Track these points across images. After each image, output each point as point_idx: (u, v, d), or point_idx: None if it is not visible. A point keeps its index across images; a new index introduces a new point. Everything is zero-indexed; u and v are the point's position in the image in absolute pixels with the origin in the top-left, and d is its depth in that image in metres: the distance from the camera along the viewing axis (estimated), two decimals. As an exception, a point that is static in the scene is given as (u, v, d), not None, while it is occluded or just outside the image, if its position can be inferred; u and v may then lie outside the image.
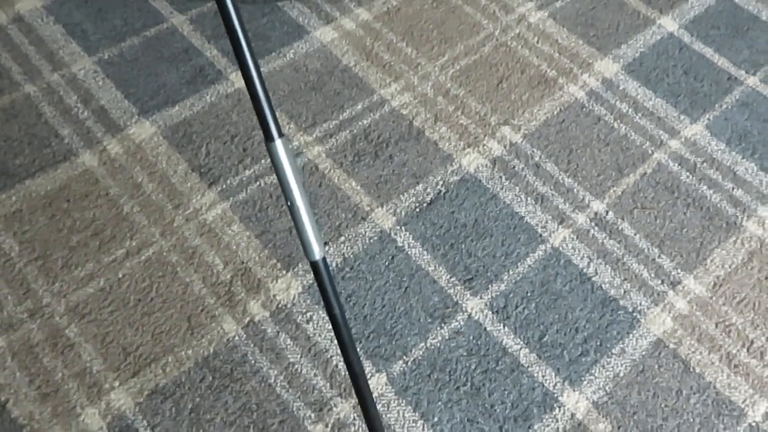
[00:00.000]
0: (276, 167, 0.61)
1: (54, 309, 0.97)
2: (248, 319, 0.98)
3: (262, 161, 1.13)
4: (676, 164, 1.17)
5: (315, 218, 0.64)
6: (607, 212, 1.11)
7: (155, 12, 1.29)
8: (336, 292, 0.62)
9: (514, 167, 1.15)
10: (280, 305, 0.99)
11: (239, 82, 1.22)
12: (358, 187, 1.11)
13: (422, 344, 0.97)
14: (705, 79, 1.29)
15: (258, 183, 1.10)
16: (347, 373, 0.92)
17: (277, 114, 1.18)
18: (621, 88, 1.27)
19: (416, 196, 1.11)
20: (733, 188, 1.15)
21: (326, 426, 0.90)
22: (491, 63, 1.28)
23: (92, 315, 0.97)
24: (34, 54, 1.22)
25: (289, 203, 0.63)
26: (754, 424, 0.93)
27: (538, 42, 1.32)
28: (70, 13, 1.28)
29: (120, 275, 1.00)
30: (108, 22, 1.28)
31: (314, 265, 0.63)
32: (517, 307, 1.01)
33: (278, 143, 0.60)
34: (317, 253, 0.63)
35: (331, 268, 1.01)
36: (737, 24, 1.37)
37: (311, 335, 0.97)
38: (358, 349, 0.96)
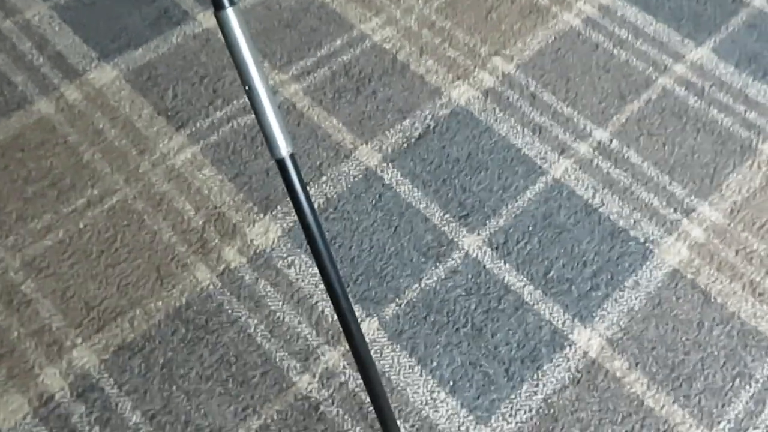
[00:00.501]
0: (228, 42, 0.52)
1: (8, 264, 0.88)
2: (223, 266, 0.89)
3: (234, 102, 1.03)
4: (683, 89, 1.09)
5: (278, 108, 0.55)
6: (611, 141, 1.03)
7: None
8: (308, 195, 0.52)
9: (508, 98, 1.06)
10: (258, 250, 0.90)
11: (207, 22, 1.12)
12: (340, 125, 1.02)
13: (416, 285, 0.88)
14: (708, 1, 1.20)
15: (230, 124, 1.01)
16: (335, 316, 0.83)
17: (250, 53, 1.09)
18: (619, 14, 1.18)
19: (403, 131, 1.02)
20: (745, 111, 1.06)
21: (313, 376, 0.81)
22: (479, -7, 1.19)
23: (50, 269, 0.88)
24: (-16, 1, 1.13)
25: (246, 87, 0.53)
26: (784, 354, 0.85)
27: (527, -30, 1.22)
28: (22, -43, 1.19)
29: (81, 226, 0.91)
30: (63, -34, 1.18)
31: (281, 164, 0.54)
32: (518, 242, 0.92)
33: (229, 11, 0.51)
34: (283, 148, 0.54)
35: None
36: (739, -55, 1.28)
37: (293, 281, 0.88)
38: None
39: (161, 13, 1.13)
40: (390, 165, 0.98)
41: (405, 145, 1.01)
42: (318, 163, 0.98)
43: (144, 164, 0.97)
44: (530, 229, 0.94)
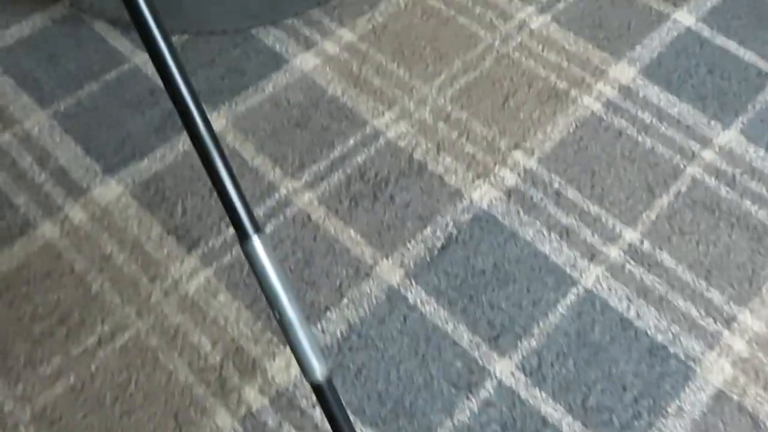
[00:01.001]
0: (256, 272, 0.47)
1: (18, 418, 0.83)
2: (244, 409, 0.84)
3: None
4: (713, 178, 1.04)
5: (310, 330, 0.51)
6: (642, 242, 0.98)
7: (114, 52, 1.15)
8: (348, 419, 0.48)
9: (531, 198, 1.02)
10: (279, 389, 0.85)
11: (217, 122, 1.08)
12: (359, 237, 0.98)
13: (448, 422, 0.84)
14: (732, 77, 1.15)
15: (244, 242, 0.96)
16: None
17: (261, 158, 1.05)
18: (641, 95, 1.13)
19: (425, 242, 0.97)
20: (780, 201, 1.02)
21: None
22: (494, 79, 1.14)
23: (63, 420, 0.83)
24: (-20, 112, 1.08)
25: (277, 315, 0.49)
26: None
27: (543, 50, 1.18)
28: (19, 61, 1.14)
29: (93, 369, 0.86)
30: (62, 68, 1.13)
31: (317, 389, 0.49)
32: (552, 366, 0.88)
33: (255, 241, 0.46)
34: (319, 372, 0.50)
35: (336, 338, 0.88)
36: (760, 12, 1.24)
37: (318, 423, 0.83)
38: (375, 436, 0.83)
39: (166, 116, 1.08)
40: (413, 282, 0.94)
41: (428, 258, 0.96)
42: (338, 283, 0.94)
43: (156, 293, 0.92)
44: (565, 349, 0.89)
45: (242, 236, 0.48)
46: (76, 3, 1.04)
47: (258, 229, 0.48)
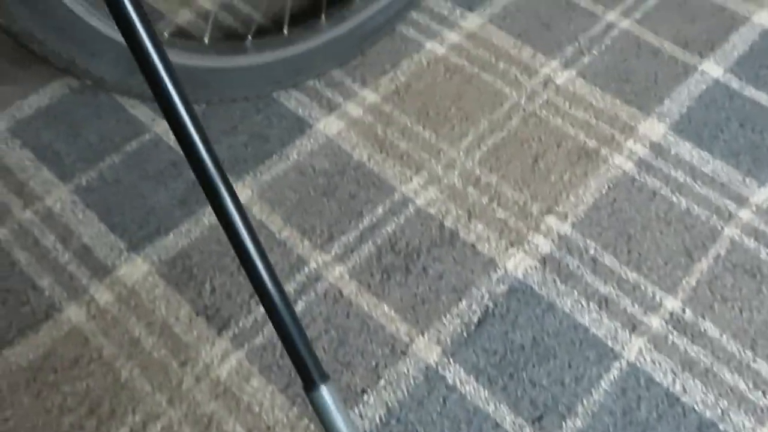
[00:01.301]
0: (323, 421, 0.45)
1: None
2: (284, 504, 0.81)
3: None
4: (752, 239, 1.02)
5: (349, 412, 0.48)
6: (683, 310, 0.95)
7: (135, 121, 1.14)
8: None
9: (567, 265, 0.99)
10: (320, 481, 0.83)
11: (243, 193, 1.06)
12: (393, 313, 0.95)
13: None
14: (765, 131, 1.13)
15: (275, 321, 0.94)
16: None
17: (288, 230, 1.02)
18: (673, 152, 1.11)
19: (461, 316, 0.95)
20: (823, 263, 0.99)
21: None
22: (522, 139, 1.12)
23: None
24: (1, 188, 1.06)
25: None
26: None
27: (570, 107, 1.16)
28: (38, 133, 1.12)
29: (125, 463, 0.84)
30: (82, 140, 1.12)
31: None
32: (600, 448, 0.85)
33: (324, 392, 0.43)
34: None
35: (375, 423, 0.85)
36: (789, 61, 1.22)
37: None
38: None
39: (189, 187, 1.06)
40: (451, 360, 0.91)
41: (465, 333, 0.93)
42: (374, 363, 0.91)
43: (187, 379, 0.90)
44: (611, 429, 0.86)
45: (308, 385, 0.46)
46: (94, 80, 1.02)
47: (325, 376, 0.46)
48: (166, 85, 0.37)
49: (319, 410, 0.45)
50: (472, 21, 1.27)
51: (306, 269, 0.99)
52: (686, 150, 1.11)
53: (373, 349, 0.92)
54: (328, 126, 1.14)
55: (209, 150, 0.37)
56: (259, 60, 1.10)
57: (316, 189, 1.07)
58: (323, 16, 1.16)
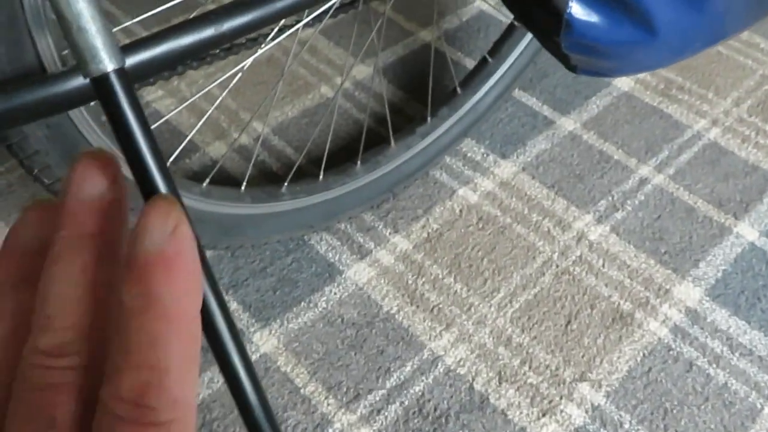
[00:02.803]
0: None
1: None
2: None
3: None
4: (793, 421, 0.98)
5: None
6: (723, 498, 0.91)
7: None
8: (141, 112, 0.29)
9: (601, 440, 0.95)
10: None
11: (268, 343, 1.03)
12: (418, 484, 0.91)
13: None
14: (803, 301, 1.11)
15: (296, 488, 0.90)
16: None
17: (314, 385, 0.99)
18: (708, 320, 1.08)
19: (490, 492, 0.91)
20: None
21: None
22: (555, 297, 1.10)
23: None
24: None
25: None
26: None
27: (603, 266, 1.14)
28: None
29: None
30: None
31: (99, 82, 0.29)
32: None
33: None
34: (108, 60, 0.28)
35: None
36: (825, 228, 1.21)
37: None
38: None
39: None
40: None
41: None
42: None
43: None
44: None
45: None
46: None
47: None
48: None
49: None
50: (506, 169, 1.28)
51: (330, 430, 0.95)
52: (723, 318, 1.09)
53: None
54: (359, 273, 1.12)
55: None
56: (293, 205, 1.10)
57: (343, 341, 1.04)
58: (359, 162, 1.16)
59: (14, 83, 0.62)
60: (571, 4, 0.67)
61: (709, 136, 1.35)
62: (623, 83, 1.44)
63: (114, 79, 0.29)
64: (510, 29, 1.25)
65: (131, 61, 0.61)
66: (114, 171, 0.27)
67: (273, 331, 1.05)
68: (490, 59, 1.25)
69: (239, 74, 0.95)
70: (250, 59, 0.94)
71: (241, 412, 0.31)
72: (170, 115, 1.00)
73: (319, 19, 1.04)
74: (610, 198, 1.24)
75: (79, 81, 0.64)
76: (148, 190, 0.28)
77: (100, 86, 0.29)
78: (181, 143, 1.02)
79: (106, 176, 0.27)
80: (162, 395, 0.24)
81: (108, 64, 0.29)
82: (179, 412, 0.24)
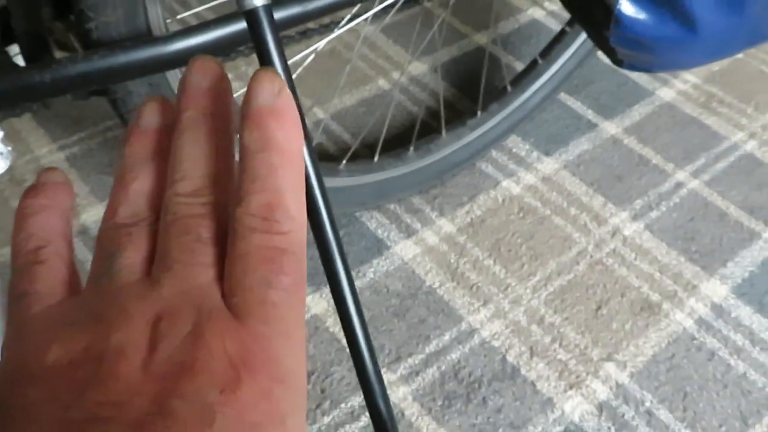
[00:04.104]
0: None
1: None
2: None
3: (343, 405, 1.01)
4: (807, 412, 1.04)
5: None
6: (735, 475, 0.97)
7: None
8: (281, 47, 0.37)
9: (623, 415, 1.02)
10: None
11: (316, 307, 1.12)
12: (450, 440, 0.99)
13: None
14: (825, 305, 1.17)
15: (339, 434, 0.98)
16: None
17: (358, 346, 1.08)
18: (733, 315, 1.15)
19: (516, 452, 0.98)
20: None
21: None
22: (587, 284, 1.18)
23: None
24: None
25: None
26: None
27: (636, 259, 1.21)
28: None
29: None
30: None
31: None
32: None
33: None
34: None
35: None
36: None
37: None
38: None
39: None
40: (504, 495, 0.94)
41: (518, 470, 0.96)
42: (429, 488, 0.94)
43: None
44: None
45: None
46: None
47: None
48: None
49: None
50: (548, 165, 1.35)
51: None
52: (746, 315, 1.15)
53: (429, 474, 0.96)
54: (405, 250, 1.21)
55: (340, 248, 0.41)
56: (349, 182, 1.19)
57: (388, 309, 1.13)
58: (411, 148, 1.25)
59: (130, 42, 0.73)
60: (621, 1, 0.75)
61: (745, 147, 1.41)
62: (666, 94, 1.51)
63: (261, 13, 0.38)
64: (561, 35, 1.33)
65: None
66: (221, 70, 0.35)
67: (323, 296, 1.14)
68: (540, 61, 1.33)
69: (311, 55, 1.04)
70: (323, 42, 1.03)
71: (324, 262, 0.39)
72: (236, 94, 1.09)
73: (384, 12, 1.13)
74: (646, 198, 1.31)
75: (185, 43, 0.73)
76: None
77: (250, 17, 0.38)
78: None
79: (217, 72, 0.35)
80: (282, 211, 0.30)
81: (258, 0, 0.38)
82: (295, 225, 0.30)
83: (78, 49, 0.76)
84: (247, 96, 0.33)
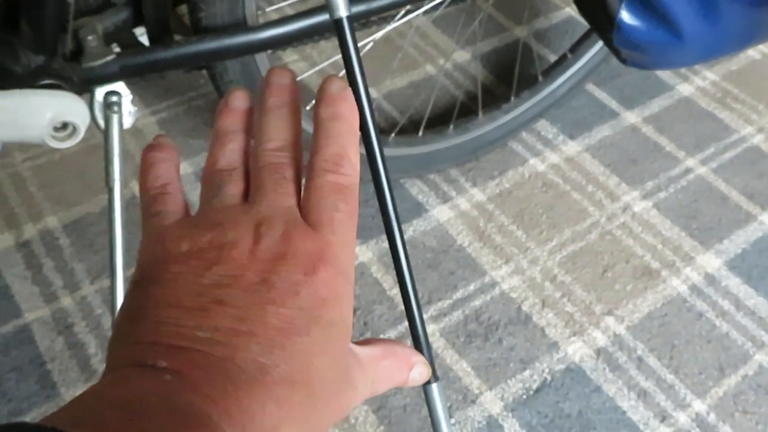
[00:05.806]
0: (433, 414, 0.62)
1: None
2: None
3: (381, 335, 1.22)
4: (778, 368, 1.21)
5: None
6: (708, 413, 1.15)
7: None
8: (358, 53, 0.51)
9: (617, 359, 1.21)
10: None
11: (365, 255, 1.33)
12: (469, 369, 1.19)
13: None
14: (807, 280, 1.33)
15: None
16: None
17: (396, 289, 1.28)
18: (723, 284, 1.32)
19: (523, 382, 1.18)
20: (835, 398, 1.17)
21: None
22: (597, 251, 1.36)
23: None
24: None
25: None
26: None
27: (642, 232, 1.39)
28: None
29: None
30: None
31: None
32: (618, 506, 1.05)
33: (438, 387, 0.62)
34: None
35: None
36: (839, 225, 1.42)
37: None
38: None
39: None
40: (510, 414, 1.14)
41: (524, 396, 1.16)
42: (449, 404, 1.14)
43: None
44: (630, 494, 1.06)
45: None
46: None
47: (438, 377, 0.67)
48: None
49: (430, 402, 0.66)
50: (572, 147, 1.54)
51: (405, 323, 1.24)
52: (735, 284, 1.32)
53: (449, 394, 1.16)
54: (441, 213, 1.41)
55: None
56: (396, 152, 1.39)
57: (423, 261, 1.33)
58: (451, 126, 1.44)
59: (231, 29, 0.93)
60: (621, 11, 0.93)
61: (753, 140, 1.57)
62: (685, 89, 1.68)
63: (345, 22, 0.58)
64: (589, 32, 1.51)
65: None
66: (293, 74, 0.45)
67: (369, 247, 1.34)
68: (569, 55, 1.51)
69: (370, 43, 1.24)
70: (380, 33, 1.23)
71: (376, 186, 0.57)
72: (303, 76, 1.30)
73: (434, 8, 1.32)
74: (656, 180, 1.49)
75: (273, 32, 0.94)
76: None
77: (337, 26, 0.58)
78: (311, 99, 1.32)
79: (290, 76, 0.49)
80: (347, 160, 0.40)
81: (343, 11, 0.57)
82: (354, 172, 0.40)
83: (190, 33, 0.98)
84: (322, 86, 0.43)
